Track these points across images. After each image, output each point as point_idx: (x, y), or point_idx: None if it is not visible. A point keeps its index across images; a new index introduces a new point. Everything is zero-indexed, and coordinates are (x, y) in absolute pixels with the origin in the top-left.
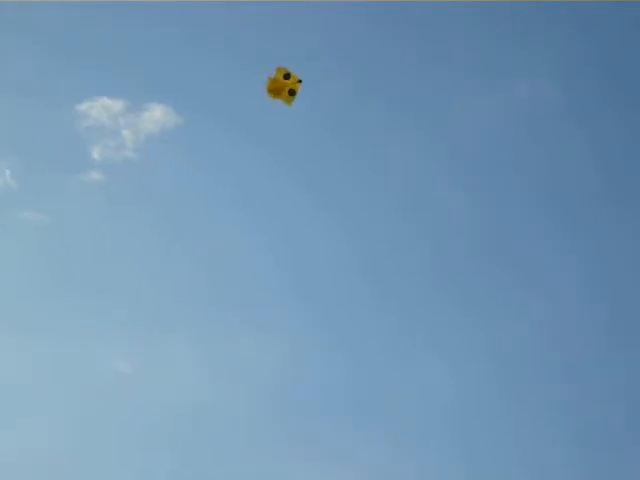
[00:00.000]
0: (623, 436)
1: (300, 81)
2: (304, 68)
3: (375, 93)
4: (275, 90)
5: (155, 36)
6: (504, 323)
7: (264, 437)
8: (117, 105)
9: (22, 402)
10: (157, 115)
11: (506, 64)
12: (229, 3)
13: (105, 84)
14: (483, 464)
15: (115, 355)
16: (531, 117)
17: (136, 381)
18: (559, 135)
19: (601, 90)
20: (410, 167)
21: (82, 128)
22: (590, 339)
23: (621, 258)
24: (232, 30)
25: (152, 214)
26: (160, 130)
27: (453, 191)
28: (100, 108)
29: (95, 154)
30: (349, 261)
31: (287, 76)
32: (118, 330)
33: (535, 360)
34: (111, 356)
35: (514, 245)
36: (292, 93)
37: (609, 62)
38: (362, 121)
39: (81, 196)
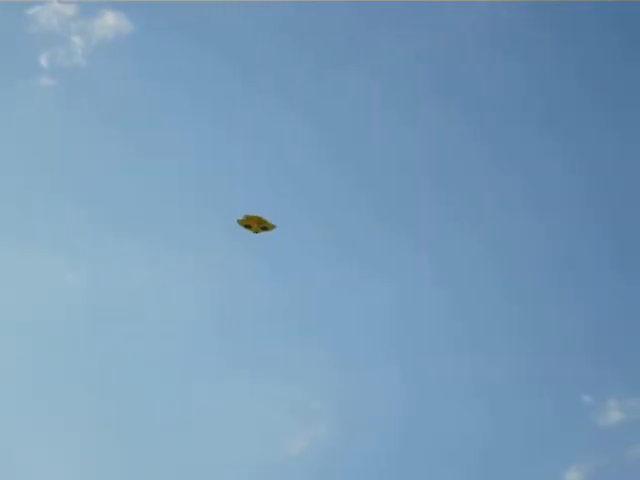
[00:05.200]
0: None
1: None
2: None
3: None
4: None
5: None
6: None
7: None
8: (68, 10)
9: None
10: (109, 22)
11: None
12: None
13: None
14: (425, 384)
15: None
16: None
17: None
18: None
19: None
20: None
21: (31, 33)
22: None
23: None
24: None
25: (105, 118)
26: (112, 37)
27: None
28: (51, 13)
29: (44, 60)
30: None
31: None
32: (68, 236)
33: (487, 280)
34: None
35: (455, 173)
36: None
37: None
38: None
39: (32, 100)
